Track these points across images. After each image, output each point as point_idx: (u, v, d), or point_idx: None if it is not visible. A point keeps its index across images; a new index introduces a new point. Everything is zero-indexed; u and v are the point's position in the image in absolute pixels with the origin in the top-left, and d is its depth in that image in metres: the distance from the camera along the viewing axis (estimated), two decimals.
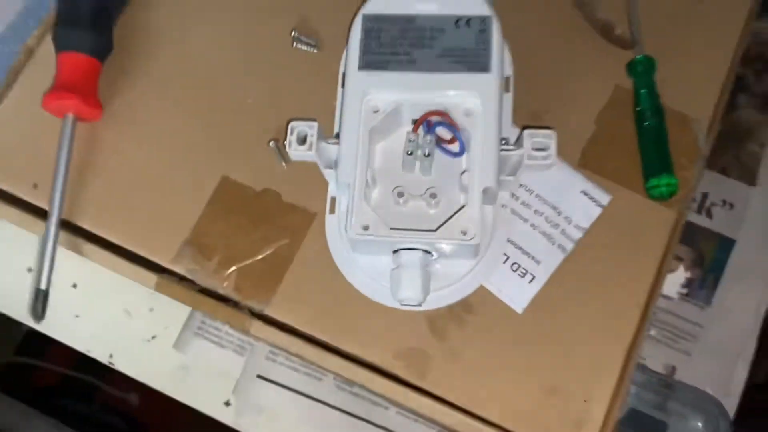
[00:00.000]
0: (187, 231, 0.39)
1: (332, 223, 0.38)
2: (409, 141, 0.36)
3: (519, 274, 0.38)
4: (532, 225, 0.38)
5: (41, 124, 0.39)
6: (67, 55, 0.38)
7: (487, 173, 0.34)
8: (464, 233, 0.34)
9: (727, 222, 0.52)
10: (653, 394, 0.49)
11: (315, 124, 0.36)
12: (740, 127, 0.53)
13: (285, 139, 0.36)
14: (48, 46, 0.41)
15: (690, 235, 0.51)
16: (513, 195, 0.39)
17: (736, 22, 0.43)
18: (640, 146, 0.39)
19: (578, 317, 0.37)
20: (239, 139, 0.40)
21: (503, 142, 0.36)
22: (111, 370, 0.49)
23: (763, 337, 0.50)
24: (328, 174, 0.38)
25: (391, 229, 0.34)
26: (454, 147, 0.36)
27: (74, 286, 0.50)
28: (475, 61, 0.36)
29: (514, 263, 0.38)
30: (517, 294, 0.37)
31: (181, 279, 0.38)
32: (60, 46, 0.38)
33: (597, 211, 0.39)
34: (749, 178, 0.52)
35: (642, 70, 0.40)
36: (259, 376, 0.48)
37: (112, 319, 0.50)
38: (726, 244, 0.51)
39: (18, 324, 0.50)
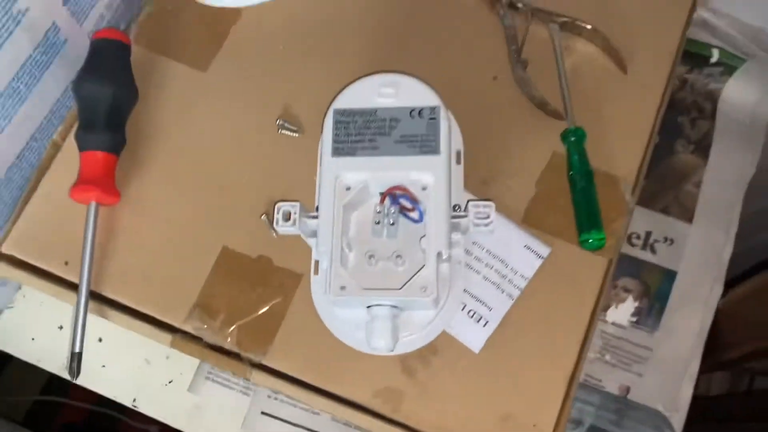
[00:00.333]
0: (195, 295, 0.46)
1: (316, 283, 0.45)
2: (377, 212, 0.43)
3: (475, 320, 0.45)
4: (484, 277, 0.45)
5: (69, 210, 0.46)
6: (88, 154, 0.45)
7: (440, 239, 0.41)
8: (424, 289, 0.41)
9: (668, 256, 0.58)
10: (610, 413, 0.56)
11: (297, 204, 0.43)
12: (678, 170, 0.60)
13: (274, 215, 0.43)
14: (71, 139, 0.48)
15: (637, 269, 0.58)
16: (467, 251, 0.46)
17: (655, 93, 0.50)
18: (573, 205, 0.46)
19: (526, 353, 0.44)
20: (236, 214, 0.47)
21: (456, 208, 0.43)
22: None
23: (705, 355, 0.57)
24: (311, 242, 0.45)
25: (364, 289, 0.41)
26: (415, 215, 0.43)
27: (100, 340, 0.57)
28: (426, 145, 0.43)
29: (471, 310, 0.45)
30: (473, 337, 0.44)
31: (192, 337, 0.45)
32: (82, 147, 0.45)
33: (538, 262, 0.46)
34: (687, 216, 0.59)
35: (573, 139, 0.47)
36: (263, 413, 0.54)
37: (134, 367, 0.57)
38: (669, 276, 0.58)
39: None
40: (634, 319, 0.57)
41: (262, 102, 0.50)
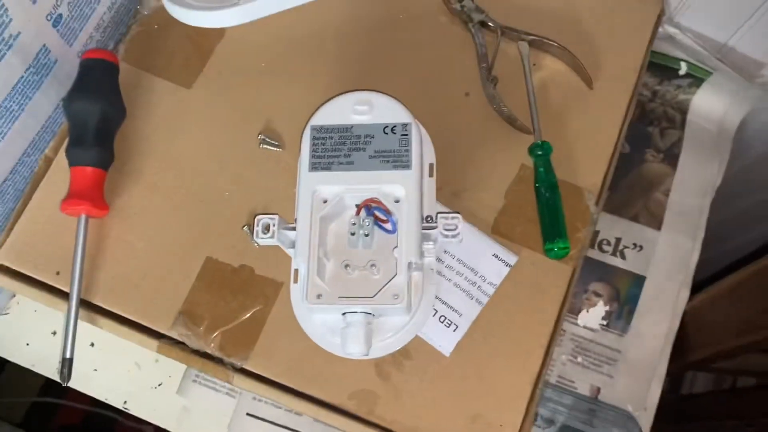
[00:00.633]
0: (180, 303, 0.48)
1: (295, 291, 0.47)
2: (352, 224, 0.45)
3: (445, 325, 0.47)
4: (455, 284, 0.48)
5: (60, 222, 0.49)
6: (78, 169, 0.47)
7: (411, 249, 0.43)
8: (396, 297, 0.43)
9: (638, 262, 0.61)
10: (582, 413, 0.58)
11: (276, 217, 0.45)
12: (648, 179, 0.63)
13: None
14: (63, 153, 0.50)
15: (607, 274, 0.61)
16: (439, 259, 0.48)
17: (620, 107, 0.52)
18: (539, 216, 0.49)
19: (494, 357, 0.47)
20: (219, 225, 0.50)
21: (429, 219, 0.46)
22: None
23: (673, 356, 0.59)
24: (291, 252, 0.47)
25: (339, 297, 0.44)
26: (388, 226, 0.46)
27: (92, 345, 0.60)
28: (398, 160, 0.45)
29: (442, 316, 0.47)
30: (444, 341, 0.47)
31: (177, 342, 0.48)
32: (72, 162, 0.48)
33: (506, 270, 0.48)
34: (656, 223, 0.61)
35: (540, 153, 0.49)
36: (248, 414, 0.57)
37: (125, 371, 0.60)
38: (638, 281, 0.60)
39: None
40: (605, 322, 0.60)
41: (245, 118, 0.52)
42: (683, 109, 0.65)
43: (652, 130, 0.64)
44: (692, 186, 0.62)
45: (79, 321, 0.47)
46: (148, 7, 0.55)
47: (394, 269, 0.44)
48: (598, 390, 0.58)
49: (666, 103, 0.65)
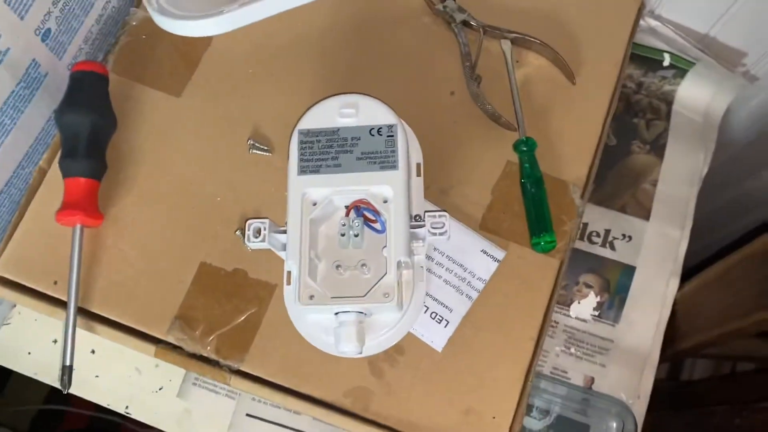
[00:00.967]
0: (175, 308, 0.49)
1: (288, 292, 0.48)
2: (342, 225, 0.46)
3: (437, 321, 0.48)
4: (445, 280, 0.49)
5: (56, 232, 0.49)
6: (71, 180, 0.48)
7: (400, 248, 0.44)
8: (386, 295, 0.44)
9: (627, 252, 0.61)
10: (576, 403, 0.59)
11: (267, 221, 0.46)
12: (635, 170, 0.63)
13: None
14: (56, 165, 0.51)
15: (597, 265, 0.61)
16: (428, 257, 0.49)
17: (602, 101, 0.53)
18: (525, 211, 0.50)
19: (485, 351, 0.47)
20: (211, 230, 0.50)
21: (417, 217, 0.47)
22: None
23: (665, 345, 0.60)
24: (282, 254, 0.48)
25: (331, 297, 0.45)
26: (377, 226, 0.46)
27: (92, 351, 0.60)
28: (385, 161, 0.46)
29: (433, 312, 0.48)
30: (436, 337, 0.48)
31: (174, 347, 0.48)
32: (65, 173, 0.49)
33: (494, 266, 0.49)
34: (644, 213, 0.62)
35: (525, 149, 0.50)
36: (248, 415, 0.58)
37: (126, 376, 0.60)
38: (628, 271, 0.61)
39: None
40: (596, 313, 0.60)
41: (234, 123, 0.53)
42: (668, 100, 0.65)
43: (637, 122, 0.65)
44: (679, 176, 0.63)
45: (77, 329, 0.48)
46: (136, 18, 0.55)
47: (384, 268, 0.45)
48: (592, 380, 0.59)
49: (651, 95, 0.65)
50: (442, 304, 0.48)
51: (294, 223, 0.46)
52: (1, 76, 0.46)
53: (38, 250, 0.50)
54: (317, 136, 0.47)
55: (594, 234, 0.62)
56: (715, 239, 0.73)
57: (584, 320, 0.60)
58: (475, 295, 0.48)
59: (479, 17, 0.54)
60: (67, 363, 0.47)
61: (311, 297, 0.44)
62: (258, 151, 0.52)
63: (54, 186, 0.51)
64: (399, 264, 0.44)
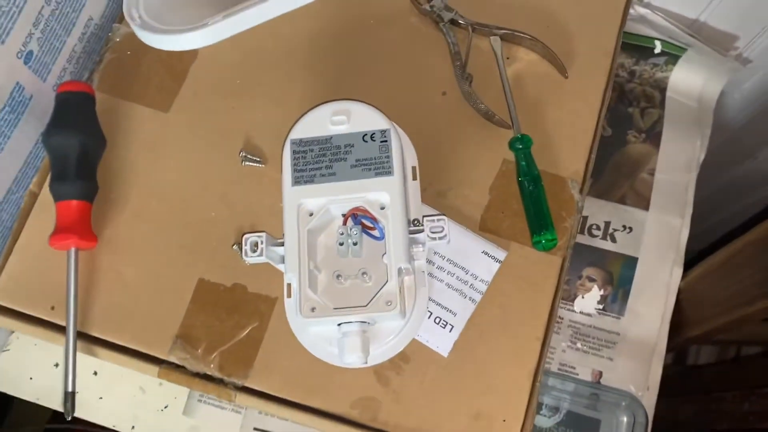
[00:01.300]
0: (176, 327, 0.48)
1: (290, 305, 0.48)
2: (340, 234, 0.45)
3: (441, 326, 0.47)
4: (447, 284, 0.48)
5: (51, 256, 0.49)
6: (63, 204, 0.47)
7: (400, 255, 0.44)
8: (389, 303, 0.44)
9: (628, 243, 0.61)
10: (585, 398, 0.58)
11: (263, 234, 0.45)
12: (632, 160, 0.63)
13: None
14: (47, 188, 0.51)
15: (599, 258, 0.61)
16: (429, 261, 0.49)
17: (596, 93, 0.52)
18: (524, 209, 0.49)
19: (491, 353, 0.47)
20: (208, 246, 0.50)
21: (415, 222, 0.46)
22: None
23: (671, 334, 0.60)
24: (281, 267, 0.48)
25: (333, 308, 0.44)
26: (376, 233, 0.46)
27: (95, 373, 0.60)
28: (380, 167, 0.45)
29: (437, 317, 0.48)
30: (441, 342, 0.47)
31: (177, 366, 0.48)
32: (56, 197, 0.48)
33: (496, 266, 0.48)
34: (643, 203, 0.62)
35: (520, 146, 0.50)
36: (255, 429, 0.57)
37: (130, 396, 0.60)
38: (630, 262, 0.61)
39: None
40: (601, 306, 0.60)
41: (224, 136, 0.52)
42: (662, 87, 0.65)
43: (632, 111, 0.64)
44: (677, 163, 0.62)
45: (78, 353, 0.47)
46: (119, 34, 0.54)
47: (385, 275, 0.44)
48: (600, 374, 0.59)
49: (644, 83, 0.65)
50: (445, 308, 0.48)
51: (291, 235, 0.45)
52: None
53: (33, 275, 0.50)
54: (310, 145, 0.46)
55: (594, 227, 0.61)
56: (716, 223, 0.73)
57: (589, 314, 0.60)
58: (478, 297, 0.48)
59: (467, 15, 0.53)
60: (70, 389, 0.46)
61: (313, 309, 0.44)
62: (251, 163, 0.51)
63: (46, 210, 0.50)
64: (400, 270, 0.44)
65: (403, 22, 0.55)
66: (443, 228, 0.45)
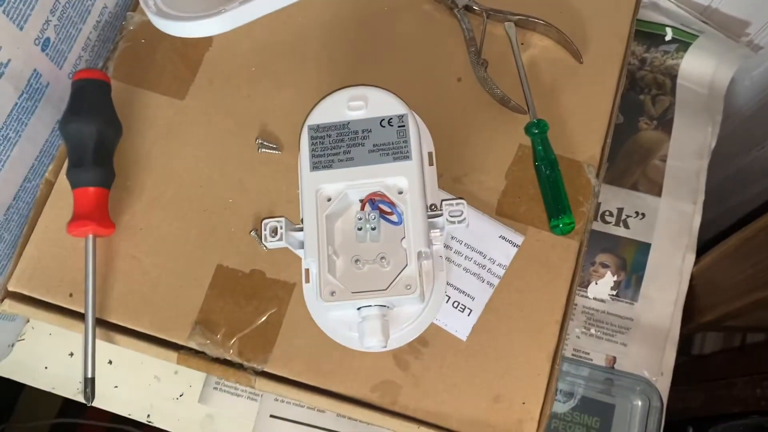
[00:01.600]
0: (195, 313, 0.48)
1: (308, 290, 0.48)
2: (358, 219, 0.46)
3: (459, 310, 0.48)
4: (465, 269, 0.48)
5: (68, 244, 0.49)
6: (80, 191, 0.47)
7: (419, 239, 0.44)
8: (408, 287, 0.44)
9: (641, 229, 0.61)
10: (599, 383, 0.59)
11: (282, 219, 0.46)
12: (644, 147, 0.63)
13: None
14: (63, 176, 0.51)
15: (613, 244, 0.61)
16: (447, 246, 0.49)
17: (611, 78, 0.53)
18: (541, 194, 0.49)
19: (510, 337, 0.47)
20: (226, 232, 0.50)
21: (433, 207, 0.46)
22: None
23: (685, 319, 0.60)
24: (300, 252, 0.48)
25: (353, 292, 0.44)
26: (394, 218, 0.46)
27: (110, 362, 0.60)
28: (398, 151, 0.46)
29: (455, 301, 0.48)
30: (460, 326, 0.47)
31: (196, 352, 0.48)
32: (73, 184, 0.48)
33: (513, 251, 0.48)
34: (656, 189, 0.62)
35: (536, 131, 0.50)
36: (272, 416, 0.57)
37: (145, 384, 0.60)
38: (643, 248, 0.61)
39: None
40: (614, 292, 0.60)
41: (240, 123, 0.52)
42: (672, 74, 0.65)
43: (643, 98, 0.65)
44: (688, 149, 0.63)
45: (96, 340, 0.47)
46: (134, 22, 0.55)
47: (404, 260, 0.44)
48: (614, 359, 0.59)
49: (655, 70, 0.65)
50: (463, 292, 0.48)
51: (310, 220, 0.45)
52: (3, 88, 0.46)
53: (51, 263, 0.50)
54: (327, 130, 0.47)
55: (607, 213, 0.62)
56: (728, 209, 0.73)
57: (602, 300, 0.60)
58: (496, 281, 0.48)
59: (481, 1, 0.54)
60: (89, 375, 0.47)
61: (333, 293, 0.44)
62: (267, 150, 0.52)
63: (62, 197, 0.51)
64: (419, 254, 0.44)
65: (417, 8, 0.55)
66: (462, 212, 0.45)
